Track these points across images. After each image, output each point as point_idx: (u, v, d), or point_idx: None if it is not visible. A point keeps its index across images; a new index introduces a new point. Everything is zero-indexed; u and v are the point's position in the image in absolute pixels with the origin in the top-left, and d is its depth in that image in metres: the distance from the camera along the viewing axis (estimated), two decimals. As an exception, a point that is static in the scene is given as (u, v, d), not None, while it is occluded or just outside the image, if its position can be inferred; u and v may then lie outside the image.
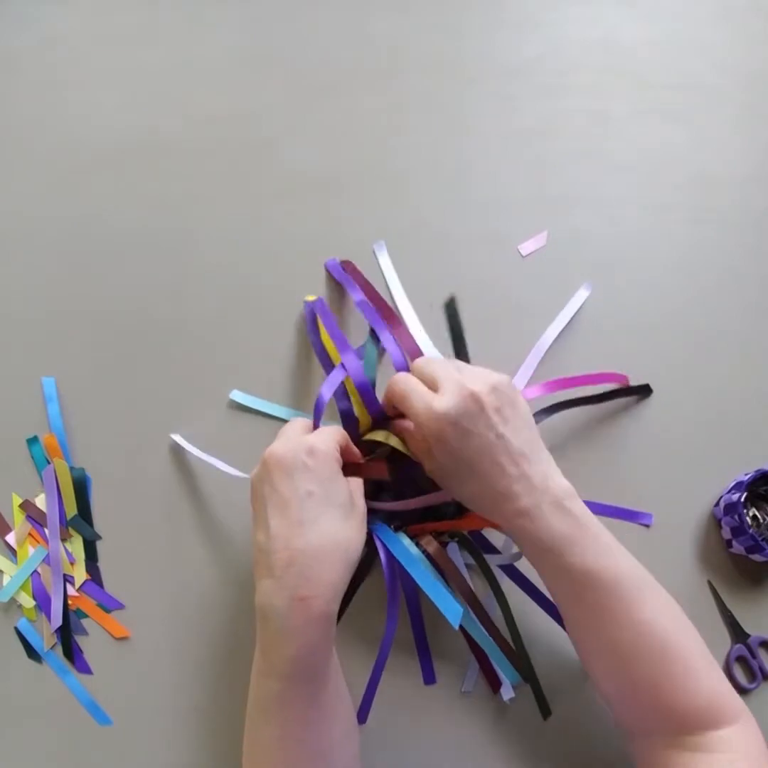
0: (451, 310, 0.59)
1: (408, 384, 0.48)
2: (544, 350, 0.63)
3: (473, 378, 0.47)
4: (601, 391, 0.62)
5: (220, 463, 0.58)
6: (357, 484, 0.49)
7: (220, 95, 0.71)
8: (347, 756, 0.47)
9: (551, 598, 0.50)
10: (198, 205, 0.68)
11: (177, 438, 0.61)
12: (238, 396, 0.62)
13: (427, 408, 0.45)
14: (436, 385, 0.47)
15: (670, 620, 0.46)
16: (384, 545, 0.52)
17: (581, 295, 0.65)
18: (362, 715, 0.54)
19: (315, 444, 0.45)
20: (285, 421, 0.62)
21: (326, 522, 0.43)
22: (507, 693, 0.56)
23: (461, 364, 0.50)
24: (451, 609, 0.48)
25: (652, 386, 0.64)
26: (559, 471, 0.48)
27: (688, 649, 0.46)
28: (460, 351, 0.60)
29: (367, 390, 0.52)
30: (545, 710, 0.56)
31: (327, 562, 0.42)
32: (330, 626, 0.43)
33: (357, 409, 0.53)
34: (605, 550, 0.46)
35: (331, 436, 0.47)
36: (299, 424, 0.50)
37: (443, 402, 0.45)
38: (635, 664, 0.45)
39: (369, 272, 0.65)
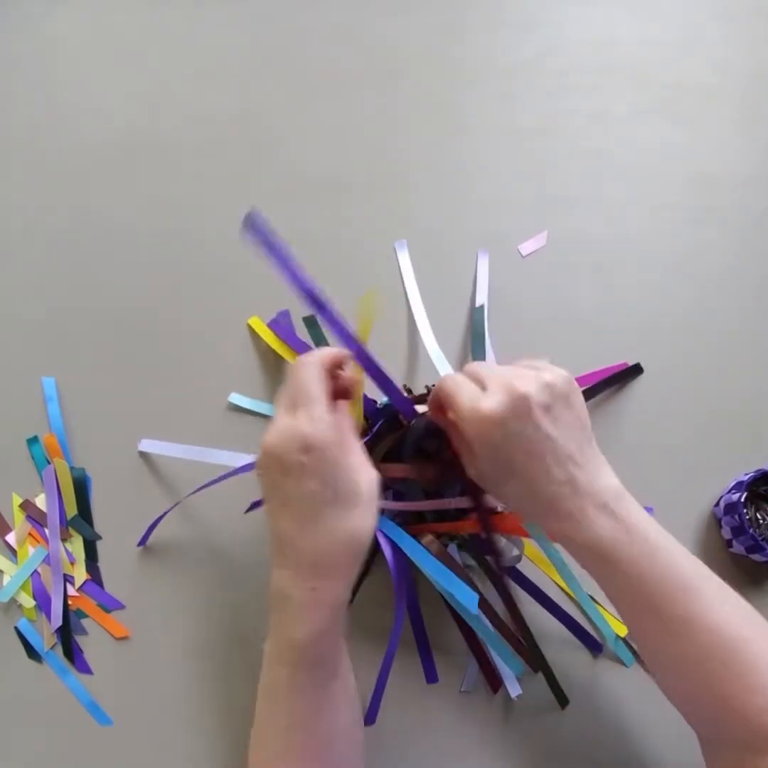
0: (479, 316, 0.61)
1: (456, 381, 0.46)
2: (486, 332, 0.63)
3: (525, 378, 0.44)
4: (594, 383, 0.62)
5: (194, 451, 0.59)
6: (364, 461, 0.45)
7: (220, 95, 0.71)
8: (351, 748, 0.47)
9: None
10: (198, 205, 0.68)
11: (145, 445, 0.62)
12: (236, 398, 0.62)
13: (473, 407, 0.43)
14: (484, 384, 0.45)
15: (737, 628, 0.43)
16: (390, 541, 0.52)
17: (483, 262, 0.66)
18: (371, 716, 0.54)
19: (309, 437, 0.41)
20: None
21: (329, 520, 0.42)
22: (514, 690, 0.56)
23: (522, 366, 0.47)
24: (466, 595, 0.49)
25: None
26: (610, 471, 0.46)
27: (760, 660, 0.42)
28: (479, 353, 0.61)
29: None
30: (562, 699, 0.56)
31: (334, 555, 0.42)
32: (339, 614, 0.44)
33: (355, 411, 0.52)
34: (658, 553, 0.43)
35: (324, 412, 0.42)
36: (301, 393, 0.43)
37: (489, 402, 0.43)
38: (699, 676, 0.42)
39: (371, 271, 0.65)
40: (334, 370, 0.46)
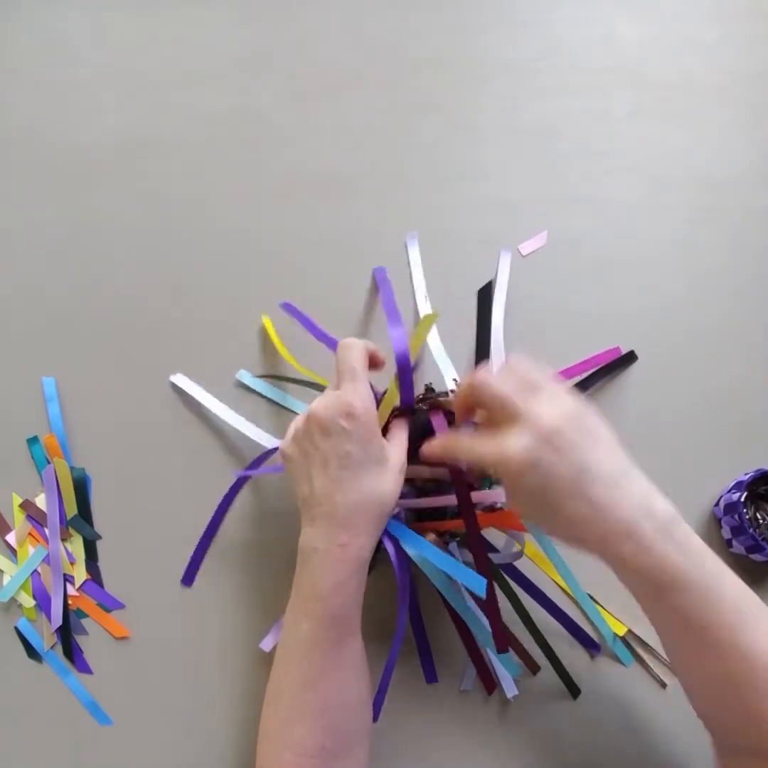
0: (484, 295, 0.58)
1: (466, 439, 0.45)
2: (500, 330, 0.63)
3: (548, 408, 0.42)
4: (589, 373, 0.63)
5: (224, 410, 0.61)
6: (397, 437, 0.51)
7: (220, 95, 0.71)
8: (360, 715, 0.48)
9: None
10: (198, 205, 0.68)
11: (177, 379, 0.63)
12: (245, 377, 0.63)
13: (500, 455, 0.41)
14: (505, 415, 0.42)
15: None
16: (393, 540, 0.52)
17: (505, 260, 0.66)
18: (375, 714, 0.54)
19: (352, 406, 0.46)
20: (287, 409, 0.62)
21: (362, 479, 0.46)
22: (510, 691, 0.56)
23: (528, 377, 0.44)
24: (475, 580, 0.49)
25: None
26: (655, 489, 0.43)
27: None
28: (484, 340, 0.60)
29: (406, 367, 0.50)
30: (573, 690, 0.57)
31: (362, 514, 0.46)
32: (361, 573, 0.47)
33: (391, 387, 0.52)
34: (712, 579, 0.41)
35: (366, 389, 0.48)
36: (347, 369, 0.48)
37: (518, 445, 0.40)
38: (730, 695, 0.41)
39: (371, 270, 0.65)
40: (369, 357, 0.51)
